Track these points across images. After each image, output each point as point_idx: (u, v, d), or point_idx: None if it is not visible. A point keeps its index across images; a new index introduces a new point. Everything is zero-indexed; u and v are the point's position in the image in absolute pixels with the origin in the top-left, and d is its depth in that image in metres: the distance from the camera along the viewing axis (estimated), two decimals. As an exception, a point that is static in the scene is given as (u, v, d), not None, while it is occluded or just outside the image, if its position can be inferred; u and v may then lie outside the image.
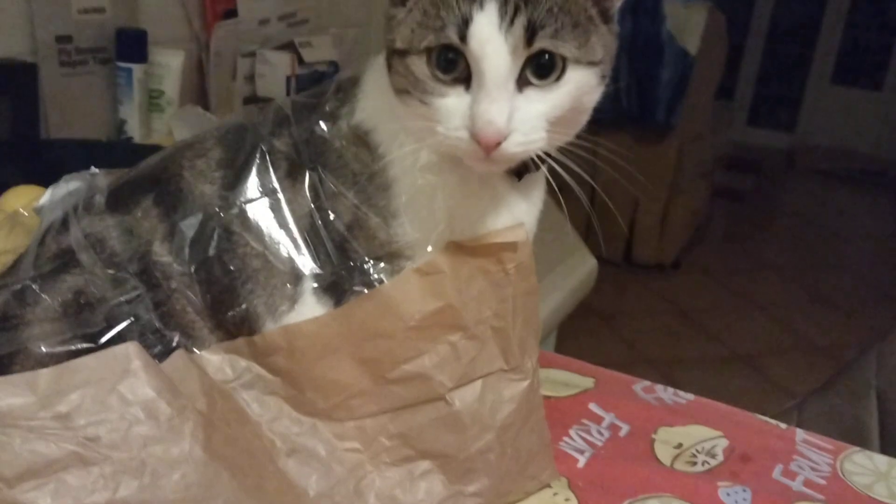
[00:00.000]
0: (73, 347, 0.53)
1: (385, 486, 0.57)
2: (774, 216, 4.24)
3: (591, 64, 0.51)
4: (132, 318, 0.54)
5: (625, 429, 0.74)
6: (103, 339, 0.53)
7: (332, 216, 0.56)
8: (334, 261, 0.56)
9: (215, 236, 0.56)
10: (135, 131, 1.30)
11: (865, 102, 5.15)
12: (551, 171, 0.56)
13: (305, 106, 0.60)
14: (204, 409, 0.51)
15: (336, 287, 0.56)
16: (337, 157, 0.57)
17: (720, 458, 0.71)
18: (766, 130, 5.38)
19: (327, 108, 0.59)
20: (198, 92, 1.47)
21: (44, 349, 0.52)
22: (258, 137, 0.58)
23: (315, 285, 0.56)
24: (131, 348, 0.50)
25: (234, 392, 0.57)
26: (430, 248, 0.57)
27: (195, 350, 0.56)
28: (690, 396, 0.81)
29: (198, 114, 1.29)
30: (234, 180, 0.57)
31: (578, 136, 0.54)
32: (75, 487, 0.45)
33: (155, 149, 0.64)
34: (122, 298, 0.55)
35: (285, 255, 0.56)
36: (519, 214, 0.60)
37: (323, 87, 0.62)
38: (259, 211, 0.56)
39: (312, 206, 0.57)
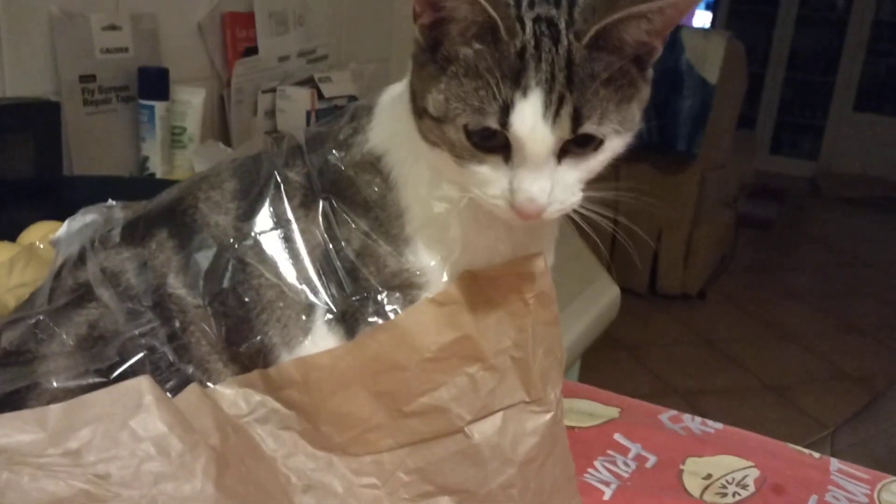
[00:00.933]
0: (85, 382, 0.52)
1: (404, 523, 0.56)
2: (800, 244, 4.19)
3: (630, 131, 0.51)
4: (145, 352, 0.54)
5: (652, 460, 0.72)
6: (116, 374, 0.52)
7: (343, 245, 0.56)
8: (347, 291, 0.55)
9: (230, 268, 0.55)
10: (157, 167, 1.31)
11: (889, 128, 5.12)
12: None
13: (319, 135, 0.60)
14: (217, 444, 0.50)
15: (349, 318, 0.55)
16: (349, 185, 0.57)
17: (752, 488, 0.68)
18: (789, 159, 5.36)
19: (340, 137, 0.59)
20: (219, 128, 1.48)
21: (55, 384, 0.52)
22: (273, 168, 0.58)
23: (328, 316, 0.55)
24: (143, 383, 0.49)
25: (248, 427, 0.56)
26: (444, 278, 0.56)
27: (210, 384, 0.55)
28: (719, 425, 0.79)
29: (219, 149, 1.30)
30: (249, 211, 0.56)
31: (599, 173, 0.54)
32: (85, 526, 0.44)
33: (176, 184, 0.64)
34: (137, 332, 0.54)
35: (299, 285, 0.55)
36: (536, 243, 0.59)
37: (337, 116, 0.62)
38: (273, 242, 0.56)
39: (325, 235, 0.56)
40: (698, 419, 0.80)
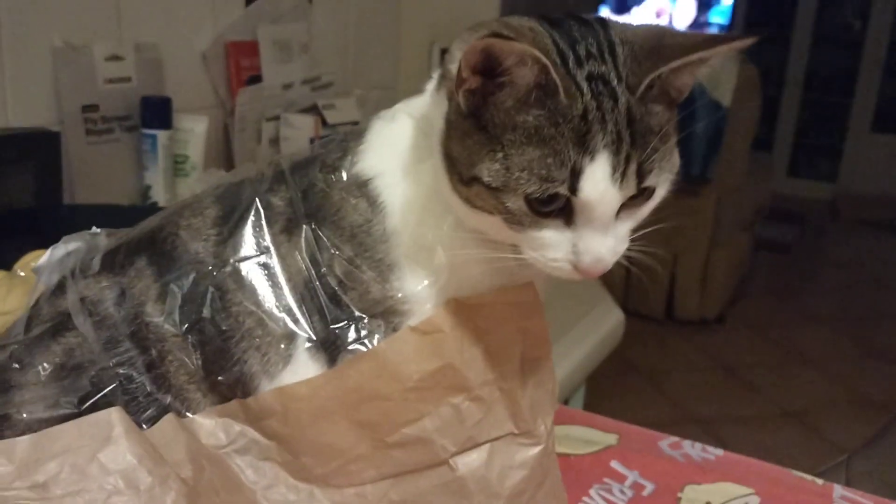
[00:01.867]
0: (57, 413, 0.51)
1: (387, 559, 0.54)
2: (820, 267, 4.14)
3: (675, 173, 0.50)
4: (118, 382, 0.53)
5: (649, 487, 0.69)
6: (88, 404, 0.51)
7: (326, 272, 0.54)
8: (329, 319, 0.54)
9: (208, 296, 0.54)
10: (160, 196, 1.31)
11: (908, 150, 5.06)
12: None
13: (306, 160, 0.59)
14: (189, 477, 0.49)
15: (331, 345, 0.54)
16: (335, 210, 0.56)
17: (752, 516, 0.66)
18: (807, 181, 5.31)
19: (328, 161, 0.58)
20: (223, 156, 1.49)
21: (25, 415, 0.51)
22: (255, 194, 0.57)
23: (308, 344, 0.54)
24: (114, 414, 0.48)
25: (227, 458, 0.54)
26: (429, 305, 0.55)
27: (189, 413, 0.54)
28: (720, 451, 0.77)
29: (221, 177, 1.29)
30: (228, 238, 0.55)
31: None
32: (49, 563, 0.43)
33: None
34: (113, 361, 0.53)
35: (278, 313, 0.54)
36: (528, 274, 0.57)
37: (326, 142, 0.61)
38: (252, 269, 0.55)
39: (307, 261, 0.55)
40: (699, 445, 0.78)
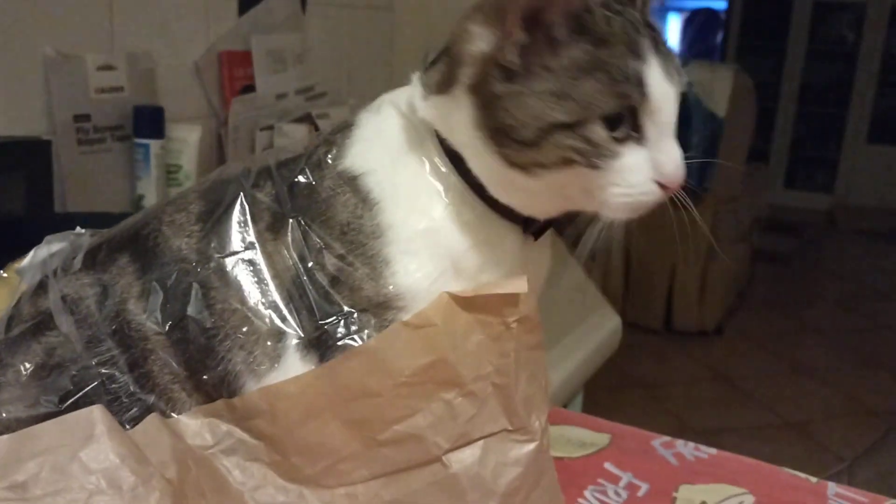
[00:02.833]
0: (37, 412, 0.50)
1: (379, 561, 0.52)
2: (818, 278, 4.14)
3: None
4: (100, 381, 0.51)
5: (644, 488, 0.68)
6: (68, 403, 0.50)
7: (315, 268, 0.53)
8: (318, 315, 0.53)
9: (191, 293, 0.53)
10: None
11: (905, 160, 5.07)
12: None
13: (293, 157, 0.58)
14: (174, 477, 0.47)
15: (321, 343, 0.53)
16: (325, 207, 0.55)
17: (747, 515, 0.65)
18: (804, 192, 5.32)
19: (314, 157, 0.57)
20: (216, 165, 1.47)
21: (3, 415, 0.49)
22: (240, 189, 0.56)
23: (297, 342, 0.53)
24: (96, 412, 0.47)
25: (214, 458, 0.53)
26: (423, 299, 0.54)
27: (173, 413, 0.53)
28: (713, 451, 0.76)
29: (207, 175, 1.28)
30: (212, 233, 0.54)
31: None
32: (27, 564, 0.42)
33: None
34: (95, 360, 0.52)
35: (265, 311, 0.53)
36: (525, 267, 0.56)
37: (312, 140, 0.60)
38: (237, 265, 0.53)
39: (295, 257, 0.53)
40: (691, 444, 0.77)
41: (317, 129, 1.49)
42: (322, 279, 0.53)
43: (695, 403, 2.71)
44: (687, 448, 0.76)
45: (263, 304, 0.53)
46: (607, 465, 0.71)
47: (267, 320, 0.52)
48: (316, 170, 0.56)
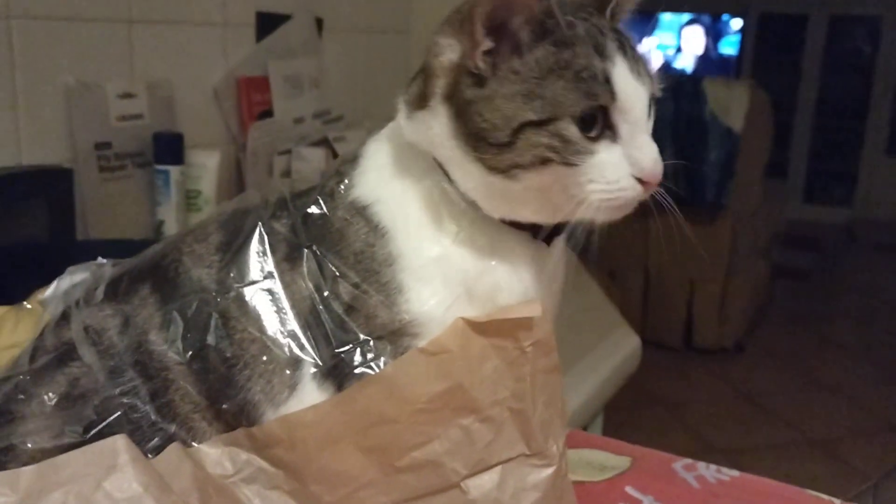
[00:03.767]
0: (62, 442, 0.50)
1: (399, 588, 0.53)
2: (839, 293, 4.10)
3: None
4: (123, 411, 0.52)
5: (666, 512, 0.68)
6: (92, 433, 0.50)
7: (331, 297, 0.54)
8: (334, 343, 0.53)
9: (211, 323, 0.54)
10: (172, 231, 1.31)
11: (924, 173, 5.03)
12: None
13: (307, 188, 0.59)
14: (196, 505, 0.48)
15: (338, 371, 0.53)
16: (338, 238, 0.55)
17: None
18: (823, 207, 5.28)
19: (326, 189, 0.58)
20: (235, 190, 1.49)
21: (30, 445, 0.50)
22: (258, 220, 0.57)
23: (314, 371, 0.53)
24: (119, 442, 0.47)
25: (234, 487, 0.53)
26: (438, 325, 0.54)
27: (194, 443, 0.54)
28: (735, 473, 0.75)
29: (226, 204, 1.30)
30: (231, 264, 0.55)
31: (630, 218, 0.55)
32: None
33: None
34: (117, 391, 0.53)
35: (282, 339, 0.53)
36: (540, 277, 0.57)
37: (326, 170, 0.61)
38: (256, 295, 0.54)
39: (311, 287, 0.54)
40: (713, 467, 0.76)
41: (334, 152, 1.50)
42: (338, 308, 0.54)
43: (716, 422, 2.68)
44: (709, 471, 0.76)
45: (282, 332, 0.53)
46: (628, 489, 0.71)
47: (286, 349, 0.53)
48: (329, 200, 0.57)
